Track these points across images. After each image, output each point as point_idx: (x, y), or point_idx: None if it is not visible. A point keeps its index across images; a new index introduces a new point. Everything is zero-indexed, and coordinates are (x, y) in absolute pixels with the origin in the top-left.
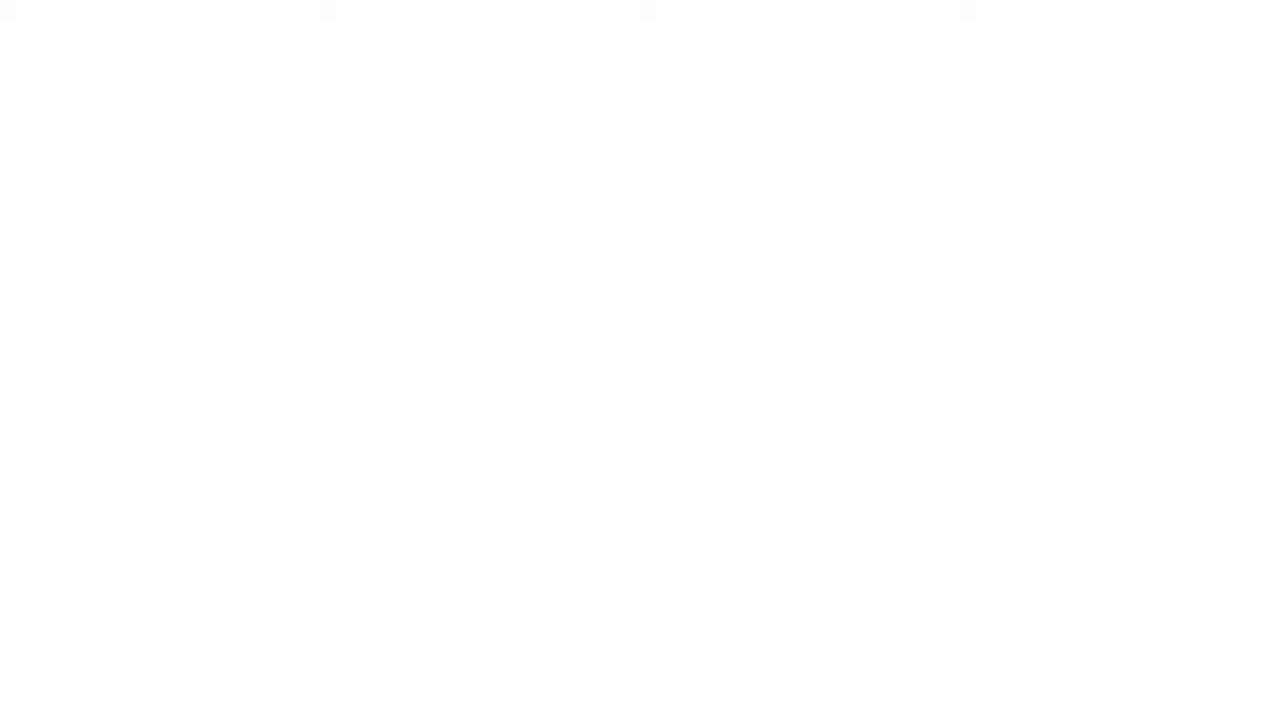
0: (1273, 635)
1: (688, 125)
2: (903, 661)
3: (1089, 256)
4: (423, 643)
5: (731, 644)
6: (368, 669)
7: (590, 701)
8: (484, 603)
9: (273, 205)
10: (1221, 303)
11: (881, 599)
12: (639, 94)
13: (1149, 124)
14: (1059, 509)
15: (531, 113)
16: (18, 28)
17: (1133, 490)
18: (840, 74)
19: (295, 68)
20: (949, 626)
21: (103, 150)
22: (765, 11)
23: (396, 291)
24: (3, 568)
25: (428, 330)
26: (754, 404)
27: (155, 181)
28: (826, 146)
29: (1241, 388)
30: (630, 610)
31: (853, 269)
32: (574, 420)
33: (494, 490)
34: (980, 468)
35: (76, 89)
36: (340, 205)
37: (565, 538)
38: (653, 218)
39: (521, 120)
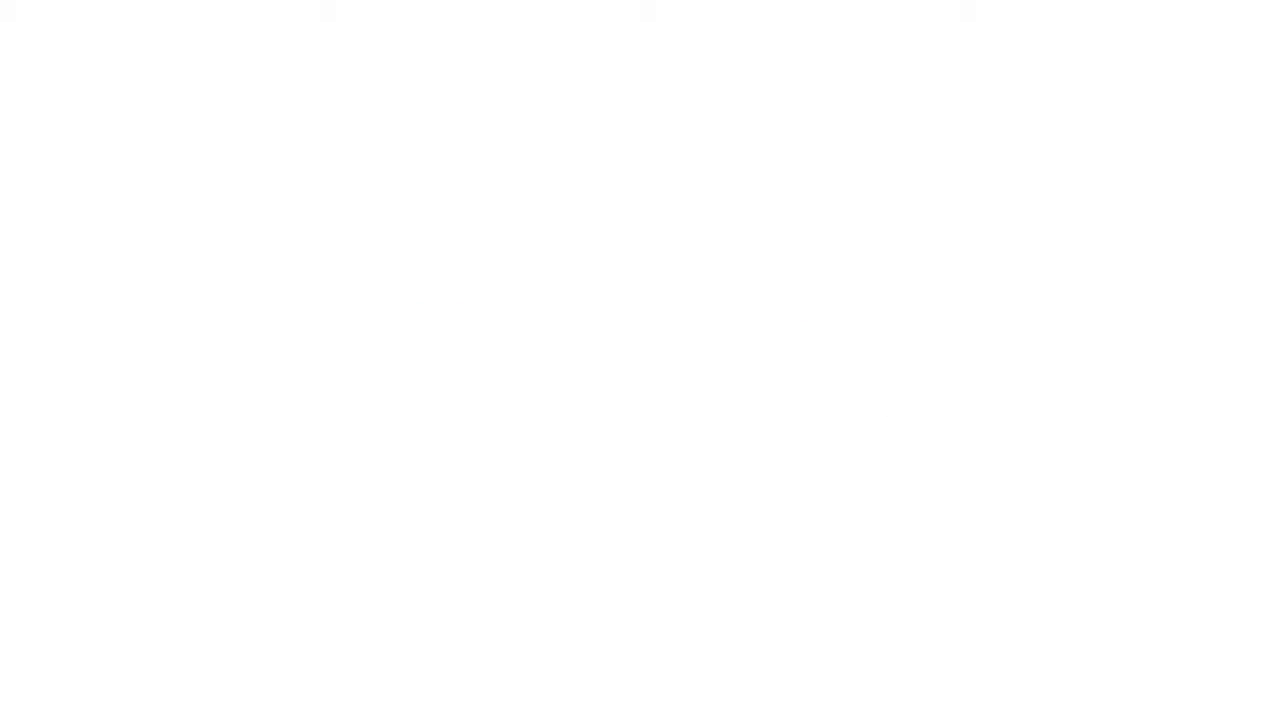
0: (1273, 635)
1: (687, 125)
2: (902, 662)
3: (1088, 256)
4: (423, 643)
5: (731, 644)
6: (368, 669)
7: (590, 701)
8: (484, 603)
9: (273, 205)
10: (1221, 302)
11: (881, 599)
12: (639, 94)
13: (1149, 124)
14: (1059, 508)
15: (531, 112)
16: (18, 28)
17: (1132, 490)
18: (840, 74)
19: (295, 68)
20: (949, 626)
21: (103, 150)
22: (765, 11)
23: (396, 290)
24: (2, 568)
25: (428, 329)
26: (753, 403)
27: (155, 181)
28: (826, 146)
29: (1241, 387)
30: (630, 610)
31: (853, 268)
32: (573, 419)
33: (494, 490)
34: (980, 467)
35: (76, 89)
36: (340, 205)
37: (565, 538)
38: (653, 217)
39: (521, 120)
